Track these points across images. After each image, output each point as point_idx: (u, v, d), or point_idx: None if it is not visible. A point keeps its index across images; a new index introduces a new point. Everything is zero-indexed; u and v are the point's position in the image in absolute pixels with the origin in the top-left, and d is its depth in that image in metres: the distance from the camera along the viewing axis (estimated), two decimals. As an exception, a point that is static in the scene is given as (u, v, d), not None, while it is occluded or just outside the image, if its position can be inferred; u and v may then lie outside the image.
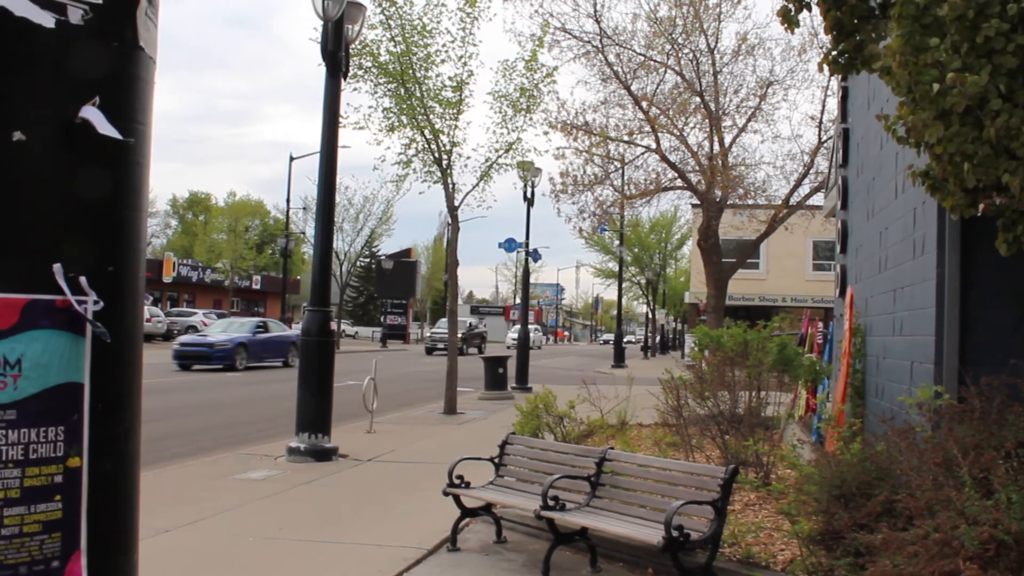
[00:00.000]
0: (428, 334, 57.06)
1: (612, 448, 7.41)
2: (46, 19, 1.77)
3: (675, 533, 5.79)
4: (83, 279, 1.82)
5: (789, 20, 7.82)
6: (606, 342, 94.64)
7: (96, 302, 1.83)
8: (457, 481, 7.59)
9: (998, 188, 6.08)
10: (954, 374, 7.70)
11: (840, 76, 12.96)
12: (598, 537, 6.77)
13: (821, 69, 9.07)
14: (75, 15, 1.83)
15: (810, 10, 7.75)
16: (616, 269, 55.31)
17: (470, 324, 55.79)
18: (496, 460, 7.95)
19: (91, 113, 1.82)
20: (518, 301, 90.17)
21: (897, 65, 6.09)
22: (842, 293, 13.59)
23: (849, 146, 13.41)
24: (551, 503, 6.64)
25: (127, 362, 1.95)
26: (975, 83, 5.59)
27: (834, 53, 7.77)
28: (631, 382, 14.10)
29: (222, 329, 33.03)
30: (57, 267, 1.78)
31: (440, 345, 45.51)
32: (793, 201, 23.71)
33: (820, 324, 14.76)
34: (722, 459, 9.55)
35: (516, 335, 62.48)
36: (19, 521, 1.77)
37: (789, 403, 11.49)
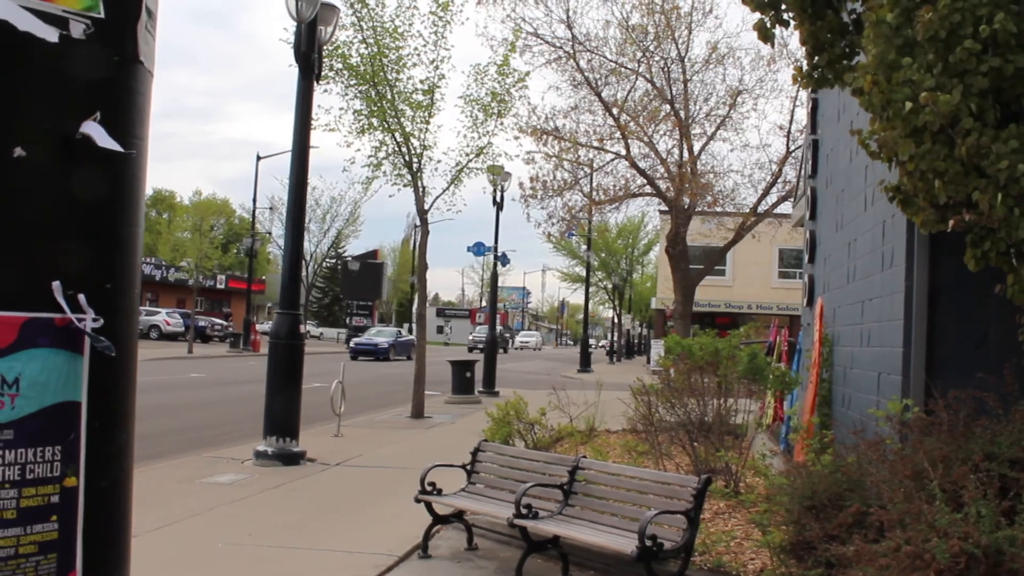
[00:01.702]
0: (470, 337, 65.18)
1: (585, 457, 7.44)
2: (49, 33, 1.74)
3: (649, 543, 5.83)
4: (82, 296, 1.79)
5: (765, 34, 7.91)
6: (572, 344, 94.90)
7: (95, 319, 1.81)
8: (429, 488, 7.57)
9: (968, 205, 6.18)
10: (921, 386, 7.82)
11: (811, 88, 13.11)
12: (570, 545, 6.79)
13: (796, 82, 9.18)
14: (77, 29, 1.80)
15: (786, 26, 7.85)
16: (583, 274, 55.52)
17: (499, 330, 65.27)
18: (468, 467, 7.94)
19: (92, 128, 1.80)
20: (484, 304, 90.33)
21: (870, 84, 6.18)
22: (810, 303, 13.74)
23: (819, 157, 13.57)
24: (524, 511, 6.65)
25: (123, 379, 1.93)
26: (947, 102, 5.68)
27: (808, 67, 7.89)
28: (600, 388, 14.15)
29: (376, 333, 49.54)
30: (56, 285, 1.76)
31: (480, 345, 52.25)
32: (761, 209, 23.95)
33: (787, 333, 14.90)
34: (692, 467, 9.62)
35: (478, 336, 63.90)
36: (15, 543, 1.74)
37: (758, 411, 11.59)
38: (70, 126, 1.78)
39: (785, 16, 7.74)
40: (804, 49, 7.98)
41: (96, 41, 1.83)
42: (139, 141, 1.96)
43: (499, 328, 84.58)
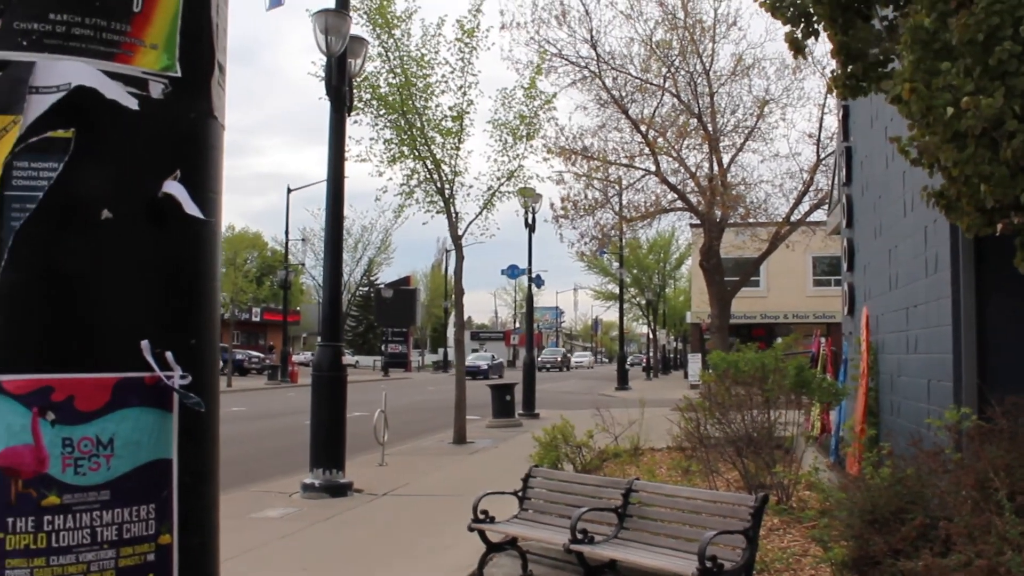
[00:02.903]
0: (542, 358, 71.99)
1: (638, 479, 7.39)
2: (130, 100, 1.79)
3: (709, 564, 5.77)
4: (169, 354, 1.82)
5: (797, 46, 7.89)
6: (608, 361, 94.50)
7: (183, 376, 1.84)
8: (482, 516, 7.55)
9: (1016, 207, 6.11)
10: (974, 392, 7.70)
11: (846, 96, 13.04)
12: (628, 569, 6.74)
13: (830, 91, 9.13)
14: (156, 90, 1.84)
15: (817, 37, 7.82)
16: (615, 291, 55.30)
17: (563, 354, 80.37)
18: (520, 493, 7.92)
19: (174, 188, 1.83)
20: (518, 325, 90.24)
21: (908, 91, 6.13)
22: (851, 311, 13.60)
23: (852, 164, 13.47)
24: (580, 536, 6.61)
25: (210, 434, 1.96)
26: (990, 106, 5.62)
27: (842, 76, 7.84)
28: (643, 406, 14.07)
29: (477, 357, 59.08)
30: (145, 344, 1.79)
31: (548, 365, 66.82)
32: (794, 218, 23.78)
33: (830, 342, 14.74)
34: (741, 482, 9.52)
35: (547, 358, 65.19)
36: (115, 602, 1.77)
37: (803, 423, 11.46)
38: (153, 186, 1.82)
39: (816, 27, 7.73)
40: (836, 58, 7.96)
41: (174, 100, 1.87)
42: (215, 195, 1.99)
43: (561, 350, 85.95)
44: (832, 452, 11.12)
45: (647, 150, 22.65)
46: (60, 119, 1.72)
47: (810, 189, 23.15)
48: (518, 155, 17.65)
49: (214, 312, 2.00)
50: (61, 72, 1.72)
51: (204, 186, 1.94)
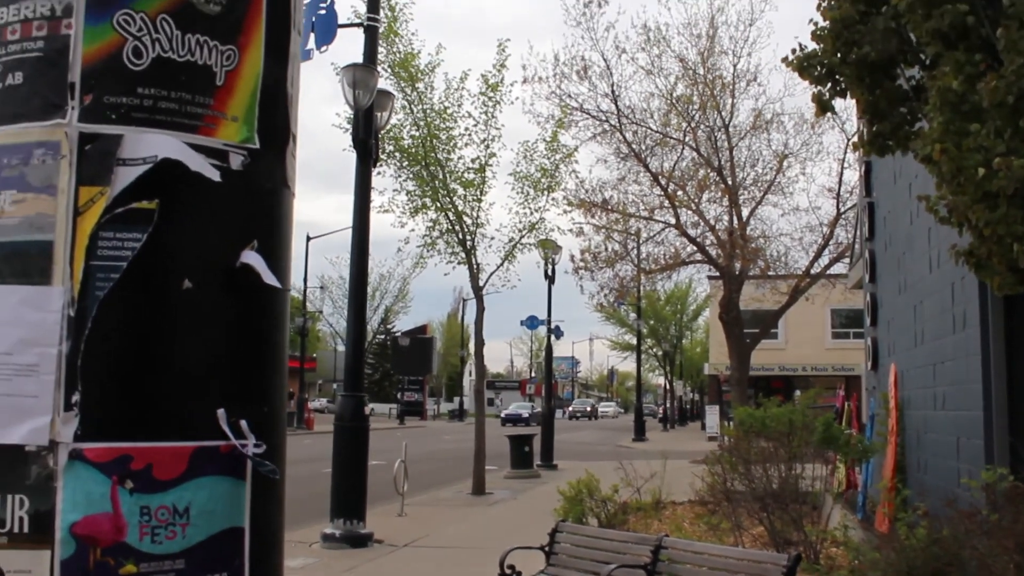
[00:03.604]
0: (572, 408, 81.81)
1: (666, 535, 7.31)
2: (214, 171, 1.84)
3: (742, 625, 5.69)
4: (244, 423, 1.85)
5: (824, 105, 7.96)
6: (624, 411, 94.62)
7: (257, 444, 1.86)
8: (508, 571, 7.48)
9: (1049, 267, 6.11)
10: (1006, 451, 7.63)
11: (871, 155, 13.09)
12: (657, 629, 6.65)
13: (855, 149, 9.18)
14: (236, 161, 1.90)
15: (845, 96, 7.89)
16: (632, 341, 55.12)
17: (591, 404, 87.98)
18: (547, 548, 7.85)
19: (252, 258, 1.87)
20: (533, 375, 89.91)
21: (939, 152, 6.16)
22: (875, 366, 13.53)
23: (875, 220, 13.49)
24: (609, 594, 6.53)
25: (279, 500, 1.98)
26: (1022, 167, 5.65)
27: (868, 135, 7.90)
28: (665, 459, 13.96)
29: (518, 407, 63.02)
30: (221, 412, 1.82)
31: (578, 415, 77.58)
32: (813, 271, 23.75)
33: (856, 397, 14.63)
34: (766, 538, 9.41)
35: (578, 407, 66.98)
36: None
37: (827, 477, 11.34)
38: (231, 256, 1.86)
39: (842, 87, 7.80)
40: (862, 118, 8.02)
41: (252, 171, 1.92)
42: (287, 264, 2.04)
43: (590, 401, 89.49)
44: (859, 509, 10.98)
45: (667, 203, 22.74)
46: (145, 190, 1.77)
47: (830, 243, 23.15)
48: (539, 207, 17.77)
49: (284, 379, 2.03)
50: (148, 145, 1.77)
51: (277, 255, 1.98)
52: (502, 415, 60.93)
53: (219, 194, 1.86)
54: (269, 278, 1.86)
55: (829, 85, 7.69)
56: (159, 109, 1.81)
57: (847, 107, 16.20)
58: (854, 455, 9.73)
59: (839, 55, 7.52)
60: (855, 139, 13.35)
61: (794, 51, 7.82)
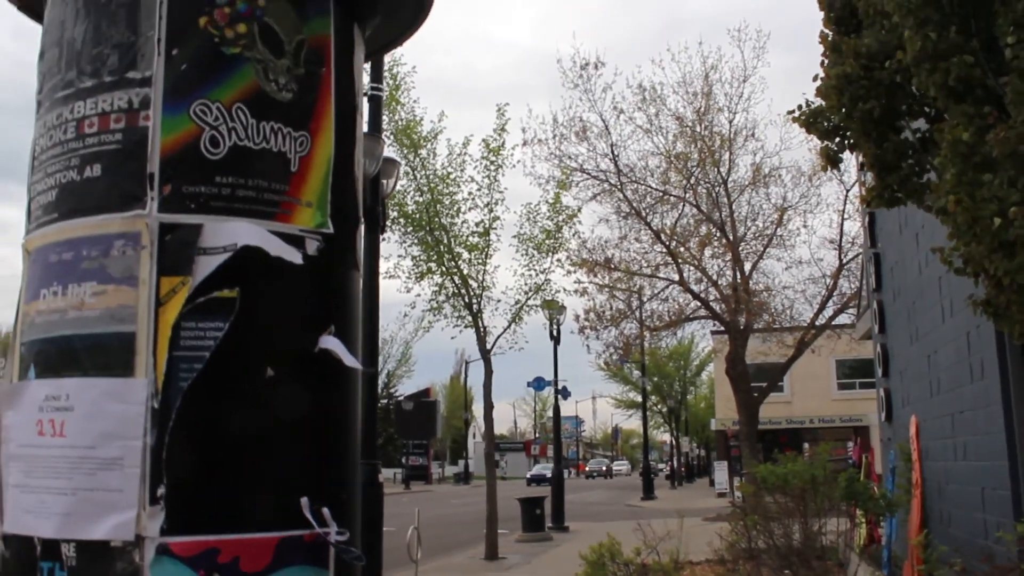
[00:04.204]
0: (589, 467, 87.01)
1: (697, 600, 7.20)
2: (293, 255, 1.84)
3: None
4: (326, 510, 1.83)
5: (832, 160, 8.06)
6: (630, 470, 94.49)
7: (340, 532, 1.84)
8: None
9: (1070, 314, 6.11)
10: (1033, 501, 7.55)
11: (869, 203, 13.22)
12: None
13: (865, 203, 9.25)
14: (312, 247, 1.91)
15: (853, 150, 7.99)
16: (636, 399, 54.83)
17: (607, 463, 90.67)
18: (574, 617, 7.72)
19: (332, 343, 1.87)
20: (537, 436, 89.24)
21: (954, 204, 6.20)
22: (889, 417, 13.45)
23: (882, 270, 13.53)
24: (643, 663, 6.41)
25: (359, 586, 1.95)
26: (1038, 215, 5.69)
27: (878, 188, 7.96)
28: (681, 517, 13.80)
29: (542, 467, 63.90)
30: (304, 501, 1.80)
31: (595, 474, 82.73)
32: (818, 323, 23.75)
33: (874, 452, 14.51)
34: (792, 599, 9.25)
35: (538, 471, 66.46)
36: None
37: (848, 532, 11.22)
38: (310, 342, 1.86)
39: (848, 141, 7.89)
40: (870, 171, 8.09)
41: (327, 256, 1.93)
42: (358, 345, 2.03)
43: (605, 460, 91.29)
44: (885, 565, 10.82)
45: (669, 260, 22.83)
46: (226, 279, 1.78)
47: (834, 294, 23.20)
48: (544, 269, 17.83)
49: (357, 465, 2.01)
50: (228, 233, 1.78)
51: (351, 338, 1.98)
52: (528, 475, 65.96)
53: (297, 280, 1.86)
54: (350, 361, 1.86)
55: (837, 139, 7.79)
56: (237, 197, 1.82)
57: (845, 159, 16.37)
58: (878, 510, 9.63)
59: (844, 110, 7.61)
60: (863, 192, 13.45)
61: (800, 107, 7.94)
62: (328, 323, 1.90)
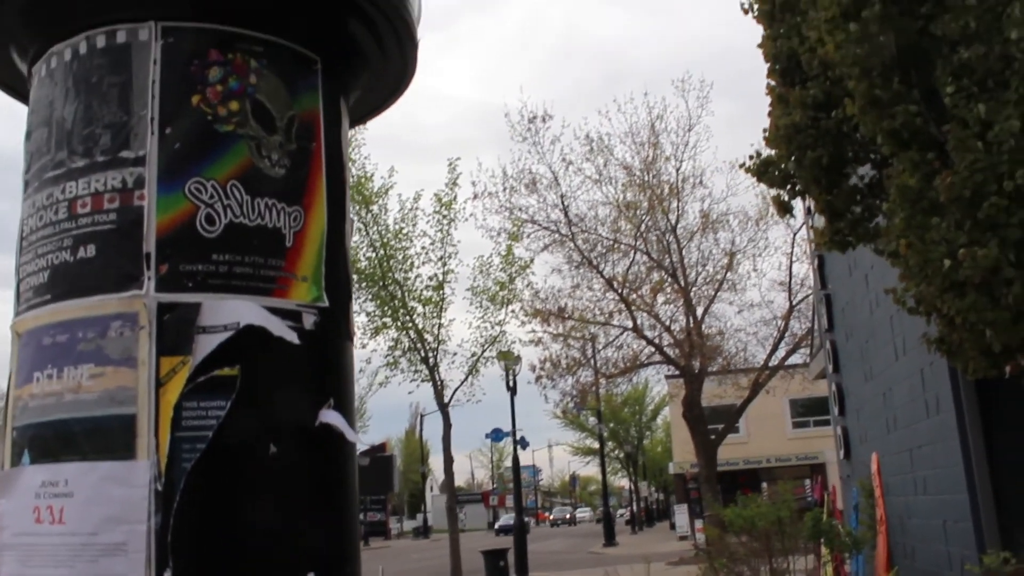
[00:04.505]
0: (553, 515, 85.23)
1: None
2: (292, 334, 1.85)
3: None
4: (329, 584, 1.82)
5: (784, 208, 8.25)
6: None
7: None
8: None
9: (1021, 350, 6.27)
10: (995, 531, 7.67)
11: (820, 246, 13.51)
12: None
13: (818, 247, 9.44)
14: (308, 321, 1.91)
15: (804, 197, 8.19)
16: (593, 445, 54.71)
17: (571, 511, 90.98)
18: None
19: (332, 417, 1.87)
20: (494, 486, 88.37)
21: (905, 247, 6.38)
22: (847, 455, 13.61)
23: (833, 311, 13.77)
24: None
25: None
26: (986, 256, 5.85)
27: (829, 232, 8.14)
28: (648, 563, 13.78)
29: (507, 518, 59.15)
30: (311, 576, 1.78)
31: (559, 522, 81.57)
32: (771, 364, 24.03)
33: (835, 489, 14.63)
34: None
35: (504, 521, 66.19)
36: None
37: (814, 570, 11.28)
38: (309, 416, 1.85)
39: (798, 189, 8.08)
40: (821, 215, 8.28)
41: (323, 329, 1.93)
42: (353, 416, 2.03)
43: (568, 508, 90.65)
44: (852, 603, 10.88)
45: (623, 307, 22.99)
46: (226, 357, 1.77)
47: (785, 335, 23.52)
48: (500, 321, 17.86)
49: (358, 538, 2.00)
50: (228, 311, 1.78)
51: (347, 409, 1.98)
52: (497, 526, 64.94)
53: (296, 355, 1.86)
54: (352, 436, 1.86)
55: (789, 187, 7.97)
56: (234, 274, 1.83)
57: (793, 204, 16.71)
58: (844, 548, 9.70)
59: (794, 158, 7.80)
60: (812, 235, 13.71)
61: (751, 157, 8.13)
62: (327, 396, 1.90)
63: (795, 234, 22.46)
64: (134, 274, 1.80)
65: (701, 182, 22.42)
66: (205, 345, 1.77)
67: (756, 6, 8.28)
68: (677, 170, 22.88)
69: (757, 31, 7.91)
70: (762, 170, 8.00)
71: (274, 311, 1.85)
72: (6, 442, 1.83)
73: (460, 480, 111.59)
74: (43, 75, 1.98)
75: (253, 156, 1.89)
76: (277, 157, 1.93)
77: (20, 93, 2.18)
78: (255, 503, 1.76)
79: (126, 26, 1.88)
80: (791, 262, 23.15)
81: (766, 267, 64.31)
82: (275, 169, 1.92)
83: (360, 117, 2.49)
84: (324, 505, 1.86)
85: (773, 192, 8.16)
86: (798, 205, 15.07)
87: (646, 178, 22.67)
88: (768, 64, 8.16)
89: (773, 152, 7.87)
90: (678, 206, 22.95)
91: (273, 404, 1.81)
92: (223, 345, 1.78)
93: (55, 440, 1.76)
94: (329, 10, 2.06)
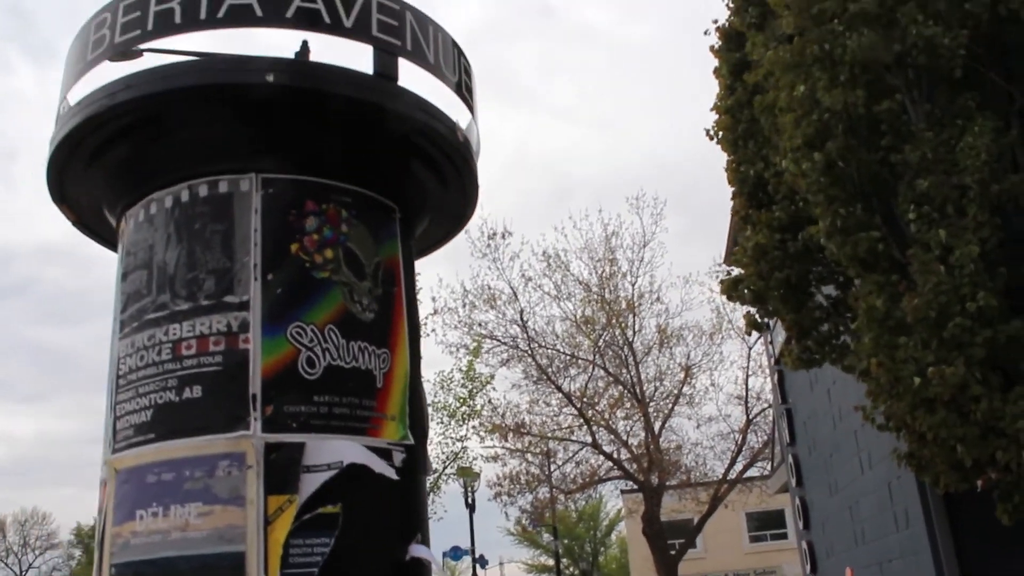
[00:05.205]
0: None
1: None
2: (391, 470, 1.95)
3: None
4: None
5: (756, 326, 8.55)
6: None
7: None
8: None
9: (991, 464, 6.47)
10: (976, 644, 7.74)
11: (773, 359, 13.83)
12: None
13: (787, 364, 9.71)
14: (397, 458, 2.02)
15: (773, 316, 8.48)
16: (548, 562, 53.54)
17: None
18: None
19: (422, 552, 1.95)
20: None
21: (876, 366, 6.62)
22: (814, 569, 13.63)
23: (795, 425, 13.99)
24: None
25: None
26: (954, 374, 6.10)
27: (797, 350, 8.40)
28: None
29: None
30: None
31: None
32: (729, 478, 24.06)
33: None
34: None
35: None
36: None
37: None
38: (400, 550, 1.93)
39: (769, 308, 8.38)
40: (789, 333, 8.56)
41: (409, 466, 2.04)
42: (430, 545, 2.12)
43: None
44: None
45: (581, 422, 22.99)
46: (329, 496, 1.86)
47: (743, 448, 23.65)
48: (461, 437, 17.79)
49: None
50: (330, 451, 1.88)
51: (427, 540, 2.07)
52: None
53: (390, 492, 1.96)
54: (438, 571, 1.94)
55: (759, 307, 8.27)
56: (334, 415, 1.93)
57: (744, 317, 17.05)
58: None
59: (763, 278, 8.10)
60: (772, 351, 14.00)
61: (721, 280, 8.46)
62: (414, 530, 1.99)
63: (750, 348, 22.83)
64: (241, 415, 1.90)
65: (658, 298, 22.85)
66: (310, 484, 1.86)
67: (721, 133, 8.77)
68: (633, 285, 23.33)
69: (707, 147, 8.35)
70: (731, 292, 8.31)
71: (372, 450, 1.95)
72: (103, 580, 1.87)
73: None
74: (140, 219, 2.10)
75: (347, 301, 2.02)
76: (367, 302, 2.06)
77: (99, 235, 2.29)
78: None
79: (228, 177, 2.02)
80: (747, 376, 23.48)
81: (723, 381, 65.19)
82: (365, 313, 2.05)
83: (422, 251, 2.64)
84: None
85: (744, 310, 8.46)
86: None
87: (603, 294, 23.05)
88: (734, 187, 8.58)
89: (742, 271, 8.20)
90: (635, 321, 23.30)
91: (370, 539, 1.90)
92: (326, 483, 1.87)
93: (160, 578, 1.82)
94: (400, 159, 2.23)
